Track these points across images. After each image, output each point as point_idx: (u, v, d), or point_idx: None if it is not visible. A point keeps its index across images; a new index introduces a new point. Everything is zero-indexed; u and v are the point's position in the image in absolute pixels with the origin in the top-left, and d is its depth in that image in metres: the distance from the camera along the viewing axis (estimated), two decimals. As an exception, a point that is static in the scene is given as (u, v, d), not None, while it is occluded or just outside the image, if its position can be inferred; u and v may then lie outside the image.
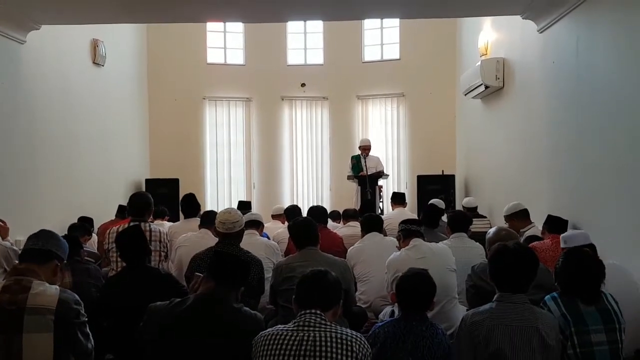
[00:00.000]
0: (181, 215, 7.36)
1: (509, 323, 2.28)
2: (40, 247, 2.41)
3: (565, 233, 3.64)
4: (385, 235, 4.76)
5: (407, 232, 3.76)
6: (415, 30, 9.47)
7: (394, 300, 2.78)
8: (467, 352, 2.34)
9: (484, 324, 2.31)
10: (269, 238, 4.86)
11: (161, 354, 2.29)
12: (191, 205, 5.23)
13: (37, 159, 5.91)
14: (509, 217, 4.86)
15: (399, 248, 3.77)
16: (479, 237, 4.11)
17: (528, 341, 2.25)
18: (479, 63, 6.89)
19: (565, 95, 4.98)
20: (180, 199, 8.22)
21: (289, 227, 3.72)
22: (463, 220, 4.31)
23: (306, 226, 3.55)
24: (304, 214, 5.46)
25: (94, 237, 5.68)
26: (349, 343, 2.11)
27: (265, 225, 5.14)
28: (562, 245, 3.56)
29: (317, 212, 5.01)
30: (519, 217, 4.82)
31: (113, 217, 6.33)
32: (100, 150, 7.59)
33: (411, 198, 8.36)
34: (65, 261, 2.53)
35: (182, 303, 2.39)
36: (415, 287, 2.59)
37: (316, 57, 10.21)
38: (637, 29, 3.80)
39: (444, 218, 5.83)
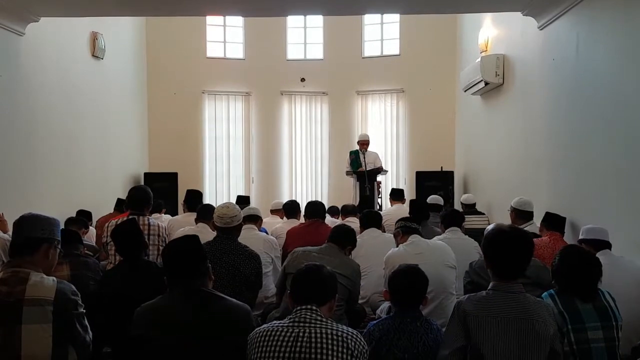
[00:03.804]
0: (179, 209, 7.40)
1: (502, 315, 2.25)
2: (27, 235, 2.37)
3: (588, 226, 3.61)
4: (384, 231, 4.77)
5: (406, 228, 3.79)
6: (415, 26, 9.45)
7: (387, 298, 2.78)
8: (456, 337, 2.31)
9: (475, 313, 2.27)
10: (267, 233, 4.86)
11: (154, 350, 2.28)
12: (197, 200, 5.25)
13: (35, 152, 5.90)
14: (514, 210, 4.82)
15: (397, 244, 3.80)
16: (477, 233, 4.11)
17: (521, 334, 2.22)
18: (479, 59, 6.88)
19: (565, 92, 4.97)
20: (178, 193, 8.34)
21: (335, 227, 3.87)
22: (455, 217, 4.44)
23: (347, 231, 3.75)
24: (302, 209, 5.46)
25: (92, 230, 5.68)
26: (345, 340, 2.10)
27: (263, 220, 5.14)
28: (580, 236, 3.55)
29: (316, 207, 5.02)
30: (523, 216, 4.76)
31: (112, 211, 6.34)
32: (99, 144, 7.58)
33: (410, 194, 8.37)
34: (57, 240, 2.46)
35: (165, 299, 2.36)
36: (406, 282, 2.59)
37: (316, 52, 10.19)
38: (638, 26, 3.80)
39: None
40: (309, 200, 7.01)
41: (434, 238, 4.06)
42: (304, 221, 5.18)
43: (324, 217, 5.06)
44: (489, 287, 2.37)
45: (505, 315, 2.25)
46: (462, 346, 2.28)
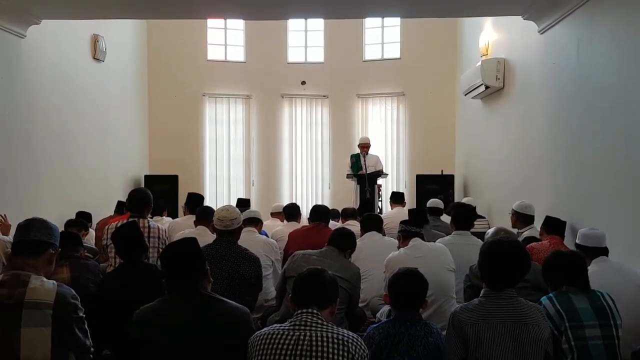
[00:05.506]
0: (180, 212, 7.40)
1: (497, 321, 2.28)
2: (36, 238, 2.36)
3: (585, 230, 3.45)
4: (384, 234, 4.76)
5: (407, 232, 3.78)
6: (416, 29, 9.46)
7: (387, 301, 2.78)
8: (456, 349, 2.34)
9: (470, 322, 2.30)
10: (267, 236, 4.85)
11: (153, 353, 2.27)
12: (198, 202, 5.25)
13: (36, 154, 5.90)
14: (516, 213, 4.81)
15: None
16: (478, 237, 4.10)
17: (518, 338, 2.25)
18: (480, 63, 6.89)
19: (565, 96, 4.98)
20: (179, 195, 8.33)
21: (335, 230, 3.85)
22: (468, 215, 4.19)
23: (346, 235, 3.73)
24: (304, 212, 5.46)
25: (92, 232, 5.67)
26: (346, 343, 2.10)
27: (264, 223, 5.13)
28: (577, 240, 3.44)
29: (321, 211, 5.01)
30: (524, 219, 4.76)
31: (112, 213, 6.33)
32: (100, 146, 7.58)
33: (410, 197, 8.36)
34: (59, 248, 2.49)
35: (164, 302, 2.35)
36: (406, 286, 2.59)
37: (317, 55, 10.20)
38: (638, 31, 3.80)
39: (444, 218, 5.84)
40: (310, 203, 7.01)
41: (437, 240, 3.99)
42: (304, 224, 5.18)
43: (328, 221, 5.05)
44: (481, 295, 2.41)
45: (500, 320, 2.29)
46: (463, 358, 2.31)
